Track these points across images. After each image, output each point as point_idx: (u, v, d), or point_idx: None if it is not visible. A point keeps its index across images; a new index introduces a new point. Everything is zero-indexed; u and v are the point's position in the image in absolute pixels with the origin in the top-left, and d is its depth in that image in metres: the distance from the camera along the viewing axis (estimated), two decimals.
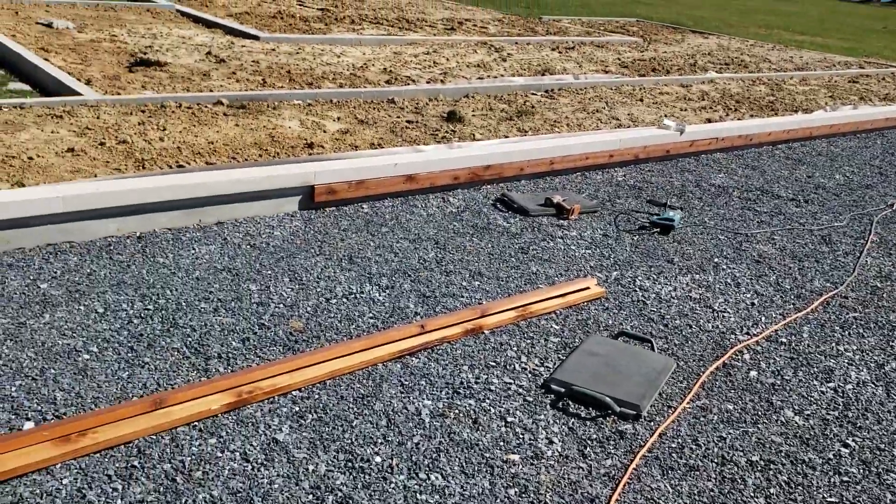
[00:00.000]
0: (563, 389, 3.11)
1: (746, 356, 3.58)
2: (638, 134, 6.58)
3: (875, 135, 8.71)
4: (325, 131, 6.08)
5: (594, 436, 2.88)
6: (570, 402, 3.07)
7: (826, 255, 4.92)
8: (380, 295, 3.82)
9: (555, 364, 3.34)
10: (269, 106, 6.52)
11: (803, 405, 3.22)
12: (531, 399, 3.08)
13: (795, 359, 3.60)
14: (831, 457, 2.90)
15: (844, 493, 2.71)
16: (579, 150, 6.11)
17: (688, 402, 3.15)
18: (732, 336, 3.76)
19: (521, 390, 3.13)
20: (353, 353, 3.19)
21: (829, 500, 2.67)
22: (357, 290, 3.85)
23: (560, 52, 11.52)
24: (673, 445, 2.87)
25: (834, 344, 3.77)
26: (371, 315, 3.61)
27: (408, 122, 6.58)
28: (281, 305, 3.61)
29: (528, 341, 3.53)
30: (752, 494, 2.65)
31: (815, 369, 3.52)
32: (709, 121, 7.85)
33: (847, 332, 3.90)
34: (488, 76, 9.08)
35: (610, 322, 3.78)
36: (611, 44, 13.23)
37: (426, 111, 7.03)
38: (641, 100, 8.60)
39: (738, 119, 8.01)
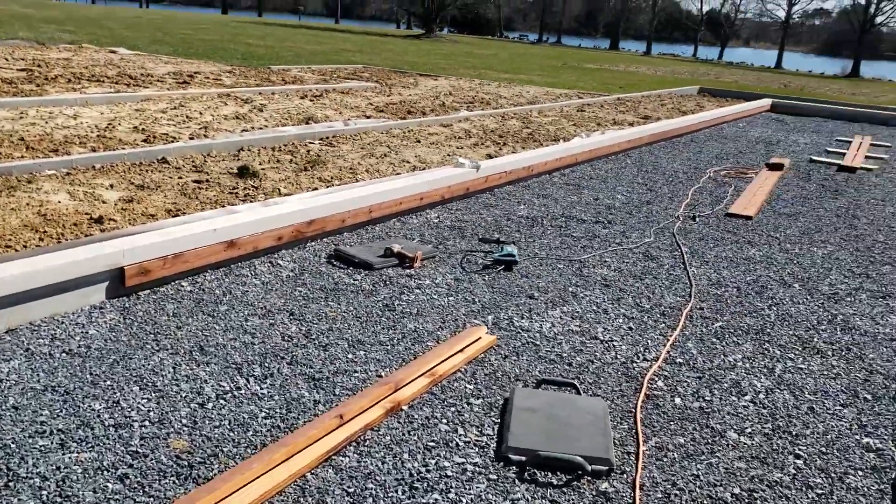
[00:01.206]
0: (524, 458, 2.76)
1: (660, 382, 3.50)
2: (441, 174, 6.44)
3: (622, 155, 9.49)
4: (104, 202, 5.15)
5: None
6: (536, 470, 2.73)
7: (657, 270, 5.10)
8: (261, 388, 3.18)
9: (494, 430, 2.98)
10: (20, 180, 5.40)
11: (740, 424, 3.18)
12: (495, 477, 2.69)
13: (702, 377, 3.59)
14: (793, 471, 2.87)
15: None
16: (394, 196, 5.82)
17: (644, 445, 2.96)
18: (634, 364, 3.67)
19: (478, 468, 2.73)
20: (276, 467, 2.56)
21: None
22: (230, 386, 3.17)
23: (312, 100, 11.18)
24: (660, 496, 2.65)
25: (722, 357, 3.83)
26: (265, 415, 2.98)
27: (195, 181, 5.83)
28: (147, 423, 2.85)
29: (453, 409, 3.13)
30: None
31: (725, 385, 3.53)
32: (489, 156, 7.98)
33: (725, 343, 4.01)
34: (252, 127, 8.47)
35: (517, 370, 3.51)
36: (354, 90, 13.17)
37: (209, 168, 6.30)
38: (418, 141, 8.55)
39: (513, 152, 8.25)
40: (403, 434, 2.91)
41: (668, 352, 3.83)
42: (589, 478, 2.71)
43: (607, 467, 2.75)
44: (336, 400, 3.11)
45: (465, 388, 3.32)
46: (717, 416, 3.23)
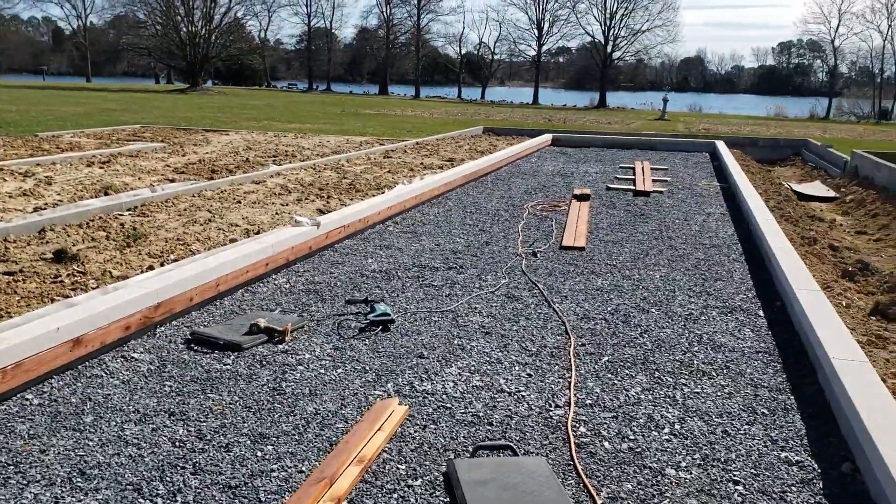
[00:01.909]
0: None
1: (582, 428, 3.48)
2: (283, 236, 6.11)
3: (442, 198, 9.61)
4: None
5: None
6: None
7: (525, 310, 5.15)
8: None
9: None
10: None
11: (673, 459, 3.23)
12: None
13: (617, 416, 3.62)
14: (739, 498, 2.95)
15: None
16: (241, 265, 5.41)
17: (598, 499, 2.90)
18: (550, 413, 3.63)
19: None
20: None
21: None
22: None
23: (102, 167, 10.25)
24: None
25: (625, 392, 3.90)
26: None
27: (5, 273, 5.05)
28: None
29: (396, 496, 2.88)
30: None
31: (641, 420, 3.58)
32: (320, 211, 7.73)
33: (620, 377, 4.09)
34: (46, 204, 7.57)
35: (442, 440, 3.33)
36: (143, 152, 12.28)
37: (16, 256, 5.50)
38: (238, 202, 8.09)
39: (343, 204, 8.06)
40: None
41: (575, 395, 3.83)
42: None
43: None
44: None
45: (398, 469, 3.08)
46: (648, 454, 3.25)
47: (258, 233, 6.67)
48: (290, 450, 3.20)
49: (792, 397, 3.86)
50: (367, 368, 4.10)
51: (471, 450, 3.20)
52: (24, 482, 2.88)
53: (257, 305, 5.12)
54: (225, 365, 4.08)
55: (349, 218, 7.14)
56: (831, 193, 11.85)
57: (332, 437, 3.32)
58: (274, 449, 3.21)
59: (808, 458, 3.25)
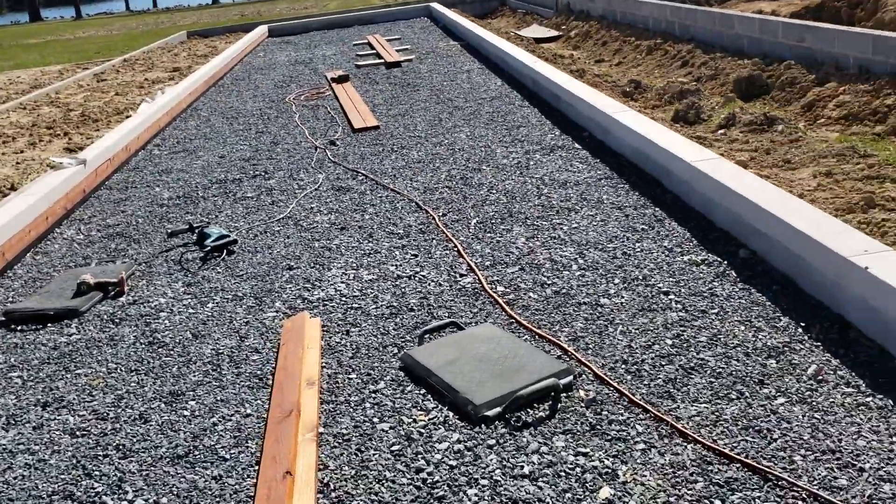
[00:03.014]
0: (500, 407, 2.48)
1: (500, 288, 3.42)
2: (52, 184, 5.17)
3: (191, 110, 8.72)
4: None
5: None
6: (512, 414, 2.48)
7: (364, 198, 4.90)
8: None
9: (435, 403, 2.61)
10: None
11: (599, 290, 3.29)
12: (493, 442, 2.37)
13: (524, 268, 3.60)
14: (678, 305, 3.09)
15: None
16: (19, 225, 4.52)
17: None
18: (460, 284, 3.52)
19: (466, 442, 2.37)
20: None
21: None
22: None
23: None
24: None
25: (513, 245, 3.89)
26: None
27: None
28: None
29: (373, 406, 2.64)
30: None
31: (547, 265, 3.60)
32: (69, 150, 6.65)
33: (500, 233, 4.06)
34: None
35: (377, 340, 3.09)
36: None
37: None
38: None
39: (90, 139, 7.00)
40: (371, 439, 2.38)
41: (472, 260, 3.74)
42: (564, 394, 2.56)
43: (572, 375, 2.62)
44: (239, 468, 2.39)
45: (351, 380, 2.83)
46: (575, 292, 3.29)
47: (13, 188, 5.60)
48: (218, 398, 2.79)
49: (658, 208, 4.09)
50: (241, 294, 3.67)
51: (417, 337, 3.01)
52: None
53: (61, 266, 4.33)
54: (71, 336, 3.43)
55: (112, 150, 6.23)
56: (554, 33, 12.54)
57: (257, 372, 2.94)
58: (199, 403, 2.78)
59: (709, 255, 3.48)
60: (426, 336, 3.01)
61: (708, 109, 5.52)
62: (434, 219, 4.33)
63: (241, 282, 3.82)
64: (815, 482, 2.07)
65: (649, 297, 3.16)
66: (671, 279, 3.29)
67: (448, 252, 3.87)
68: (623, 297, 3.19)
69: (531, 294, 3.31)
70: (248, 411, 2.70)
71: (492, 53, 9.54)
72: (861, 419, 2.29)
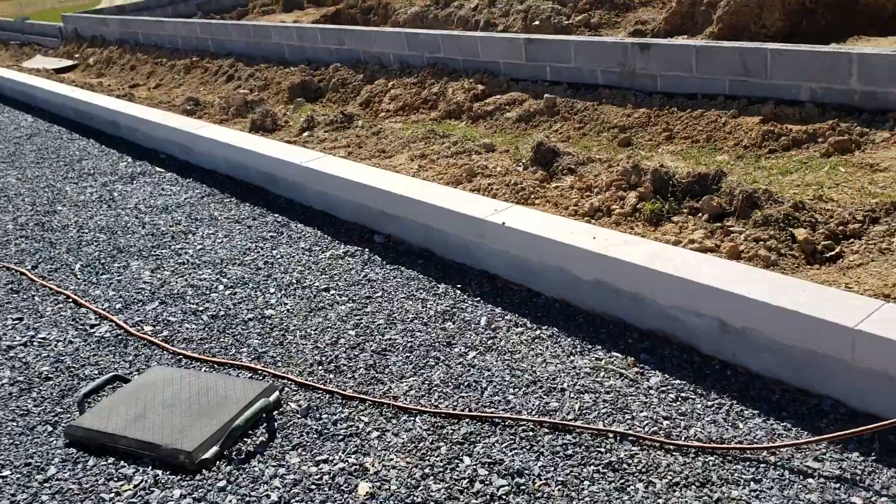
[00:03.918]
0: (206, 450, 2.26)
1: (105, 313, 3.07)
2: None
3: None
4: None
5: None
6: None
7: None
8: None
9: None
10: None
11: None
12: None
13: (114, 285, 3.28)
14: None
15: None
16: None
17: None
18: (87, 328, 3.07)
19: None
20: None
21: None
22: None
23: None
24: None
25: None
26: None
27: None
28: None
29: None
30: None
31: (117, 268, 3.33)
32: None
33: (111, 263, 3.62)
34: None
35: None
36: None
37: None
38: None
39: None
40: None
41: (83, 298, 3.28)
42: (276, 412, 2.42)
43: (276, 391, 2.49)
44: None
45: (9, 478, 2.28)
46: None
47: None
48: None
49: (278, 214, 4.06)
50: None
51: (76, 404, 2.54)
52: None
53: None
54: None
55: None
56: (69, 62, 11.46)
57: None
58: None
59: (348, 247, 3.57)
60: (87, 399, 2.56)
61: (282, 116, 5.62)
62: (25, 273, 3.68)
63: None
64: (535, 412, 2.30)
65: (311, 297, 3.14)
66: (324, 276, 3.31)
67: (62, 305, 3.33)
68: (287, 303, 3.12)
69: (187, 325, 3.04)
70: None
71: (7, 88, 8.38)
72: (541, 349, 2.61)
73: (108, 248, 3.87)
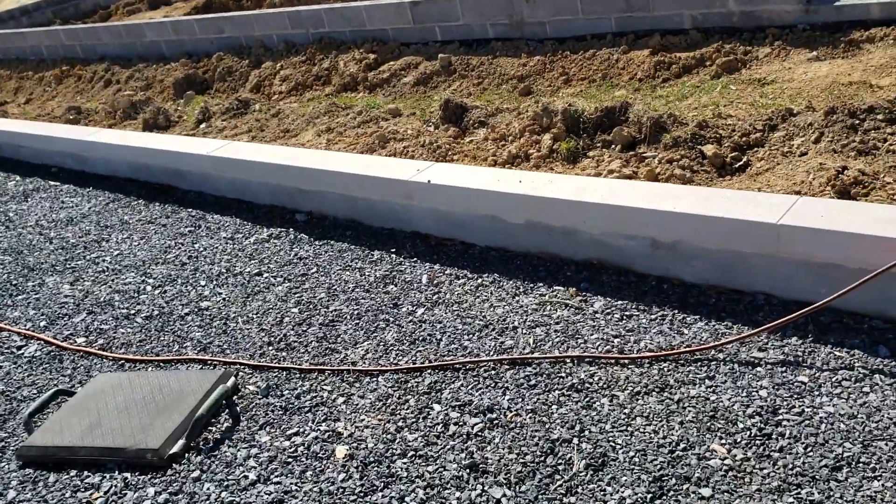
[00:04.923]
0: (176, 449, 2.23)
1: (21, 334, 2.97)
2: None
3: None
4: None
5: None
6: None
7: None
8: None
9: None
10: None
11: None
12: None
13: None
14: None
15: None
16: None
17: None
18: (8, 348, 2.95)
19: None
20: None
21: None
22: None
23: None
24: None
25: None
26: None
27: None
28: None
29: None
30: None
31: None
32: None
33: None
34: None
35: None
36: None
37: None
38: None
39: None
40: None
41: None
42: (236, 397, 2.40)
43: (232, 376, 2.46)
44: None
45: None
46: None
47: None
48: None
49: (191, 209, 3.96)
50: None
51: (23, 424, 2.44)
52: None
53: None
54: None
55: None
56: None
57: None
58: None
59: (272, 229, 3.53)
60: (33, 419, 2.46)
61: (175, 112, 5.44)
62: None
63: None
64: (492, 352, 2.36)
65: (245, 283, 3.10)
66: (254, 261, 3.27)
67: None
68: (221, 293, 3.06)
69: (122, 330, 2.95)
70: None
71: None
72: (486, 295, 2.67)
73: (18, 269, 3.69)
